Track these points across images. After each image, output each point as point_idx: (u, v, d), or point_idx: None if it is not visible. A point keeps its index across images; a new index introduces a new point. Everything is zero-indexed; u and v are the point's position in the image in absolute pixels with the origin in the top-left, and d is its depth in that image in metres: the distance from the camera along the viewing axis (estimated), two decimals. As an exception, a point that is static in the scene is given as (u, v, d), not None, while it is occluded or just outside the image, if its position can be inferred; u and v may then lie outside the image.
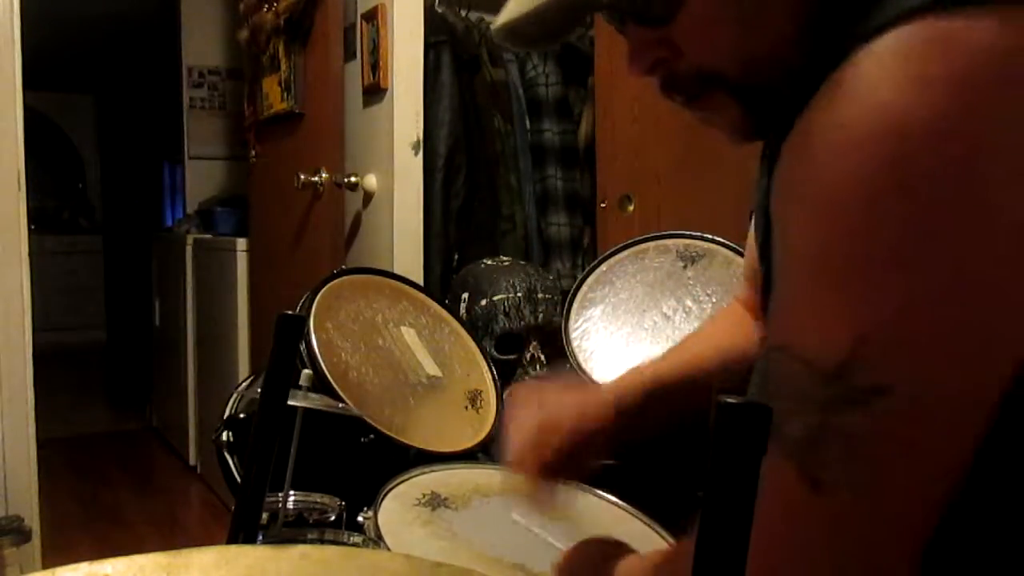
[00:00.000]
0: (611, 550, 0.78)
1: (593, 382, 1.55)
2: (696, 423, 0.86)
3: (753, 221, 0.75)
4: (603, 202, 2.36)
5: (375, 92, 2.50)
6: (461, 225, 2.62)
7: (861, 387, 0.52)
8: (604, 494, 1.12)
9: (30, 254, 2.18)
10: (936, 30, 0.51)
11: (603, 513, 1.09)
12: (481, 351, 1.66)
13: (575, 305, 1.65)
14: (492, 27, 0.74)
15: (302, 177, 2.48)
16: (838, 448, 0.52)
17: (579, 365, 1.59)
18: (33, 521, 2.18)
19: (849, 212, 0.52)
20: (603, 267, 1.68)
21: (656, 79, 0.69)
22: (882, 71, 0.52)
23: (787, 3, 0.62)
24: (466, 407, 1.53)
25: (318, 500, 1.13)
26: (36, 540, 2.19)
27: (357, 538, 1.02)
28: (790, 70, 0.62)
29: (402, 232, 2.45)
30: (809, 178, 0.55)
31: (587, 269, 1.70)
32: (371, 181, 2.52)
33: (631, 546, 0.80)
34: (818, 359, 0.53)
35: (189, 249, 3.76)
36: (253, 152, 3.09)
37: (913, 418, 0.52)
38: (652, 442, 0.97)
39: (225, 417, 1.39)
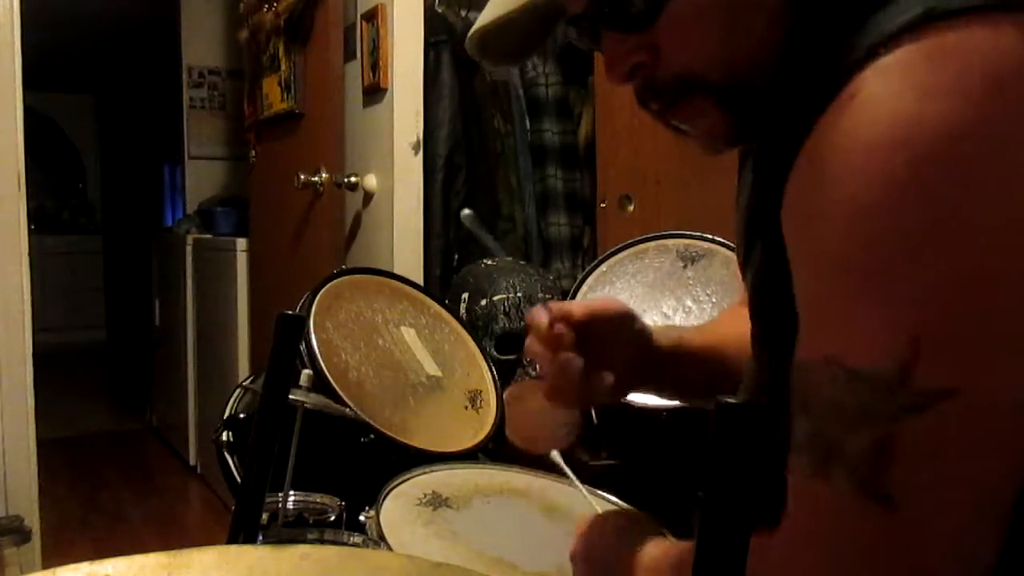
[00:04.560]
0: (629, 527, 0.76)
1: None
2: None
3: (737, 231, 0.73)
4: (603, 202, 2.36)
5: (375, 92, 2.50)
6: (461, 225, 2.62)
7: (925, 391, 0.50)
8: (604, 494, 1.11)
9: (30, 254, 2.18)
10: (935, 42, 0.53)
11: (603, 513, 1.09)
12: (481, 351, 1.66)
13: (575, 305, 1.64)
14: (466, 40, 0.73)
15: (302, 177, 2.48)
16: (906, 459, 0.51)
17: (579, 365, 1.58)
18: (33, 521, 2.18)
19: (877, 217, 0.52)
20: (603, 267, 1.68)
21: (633, 87, 0.68)
22: (891, 85, 0.53)
23: (773, 6, 0.62)
24: (466, 407, 1.53)
25: (318, 500, 1.14)
26: (36, 540, 2.19)
27: (357, 538, 1.02)
28: (773, 73, 0.62)
29: (402, 232, 2.45)
30: (831, 193, 0.54)
31: (587, 269, 1.70)
32: (371, 181, 2.52)
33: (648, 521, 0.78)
34: (874, 369, 0.52)
35: (189, 249, 3.76)
36: (253, 152, 3.09)
37: (980, 417, 0.51)
38: (651, 439, 0.95)
39: (225, 417, 1.39)
